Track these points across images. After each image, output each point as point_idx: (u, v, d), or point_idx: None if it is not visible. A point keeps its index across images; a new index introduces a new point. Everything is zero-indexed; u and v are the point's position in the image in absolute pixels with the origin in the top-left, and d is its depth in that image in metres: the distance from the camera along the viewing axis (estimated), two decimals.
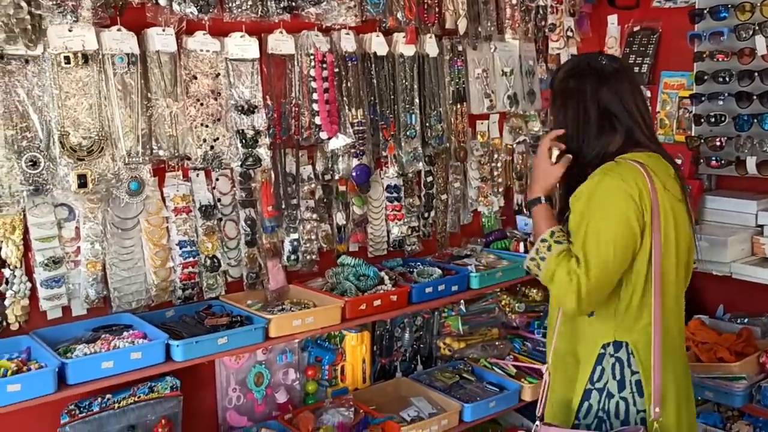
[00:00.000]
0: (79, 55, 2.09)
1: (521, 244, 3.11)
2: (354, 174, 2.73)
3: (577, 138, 1.91)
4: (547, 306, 3.35)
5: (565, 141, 1.95)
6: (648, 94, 3.60)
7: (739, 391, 2.76)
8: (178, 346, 2.09)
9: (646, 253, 1.82)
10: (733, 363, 2.82)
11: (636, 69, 3.62)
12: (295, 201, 2.66)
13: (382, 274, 2.67)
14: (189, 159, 2.35)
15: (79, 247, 2.24)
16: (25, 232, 2.13)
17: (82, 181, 2.13)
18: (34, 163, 2.07)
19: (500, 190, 3.38)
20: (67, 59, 2.08)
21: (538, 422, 1.90)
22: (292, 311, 2.41)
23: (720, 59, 3.12)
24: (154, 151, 2.28)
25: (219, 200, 2.49)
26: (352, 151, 2.70)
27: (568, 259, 1.80)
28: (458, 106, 3.08)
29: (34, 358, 2.04)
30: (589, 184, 1.84)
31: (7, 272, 2.11)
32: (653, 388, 1.85)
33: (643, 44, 3.63)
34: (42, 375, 1.88)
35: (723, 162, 3.13)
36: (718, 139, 3.13)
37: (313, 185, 2.71)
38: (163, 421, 2.38)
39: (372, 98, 2.77)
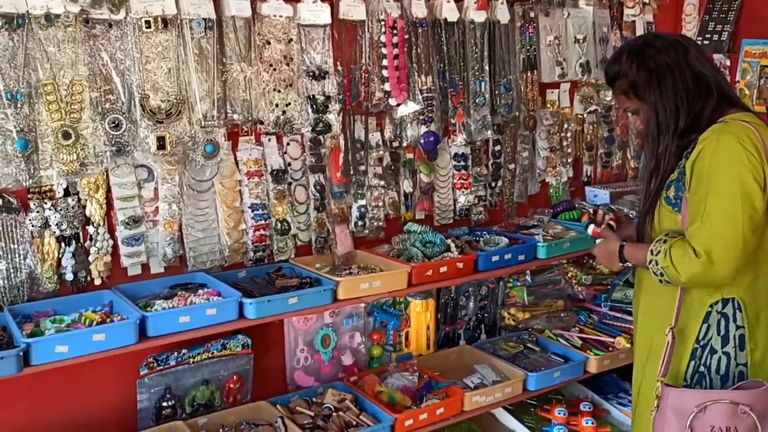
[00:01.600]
0: (159, 19, 2.15)
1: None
2: (422, 141, 2.73)
3: (676, 111, 1.90)
4: (614, 278, 3.30)
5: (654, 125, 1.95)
6: (727, 62, 3.47)
7: None
8: (251, 304, 2.15)
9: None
10: None
11: (715, 37, 3.48)
12: (363, 167, 2.68)
13: (449, 241, 2.67)
14: (262, 123, 2.39)
15: (157, 208, 2.32)
16: (108, 191, 2.22)
17: (161, 143, 2.20)
18: (117, 125, 2.15)
19: (569, 160, 3.32)
20: (148, 24, 2.14)
21: (660, 382, 1.90)
22: (360, 275, 2.44)
23: None
24: (228, 115, 2.33)
25: (289, 165, 2.53)
26: (421, 118, 2.70)
27: (674, 243, 1.83)
28: (529, 74, 3.03)
29: (116, 311, 2.14)
30: (708, 148, 1.82)
31: (91, 229, 2.21)
32: None
33: (723, 11, 3.48)
34: (124, 326, 1.97)
35: None
36: None
37: (381, 152, 2.73)
38: (235, 377, 2.48)
39: (441, 65, 2.76)
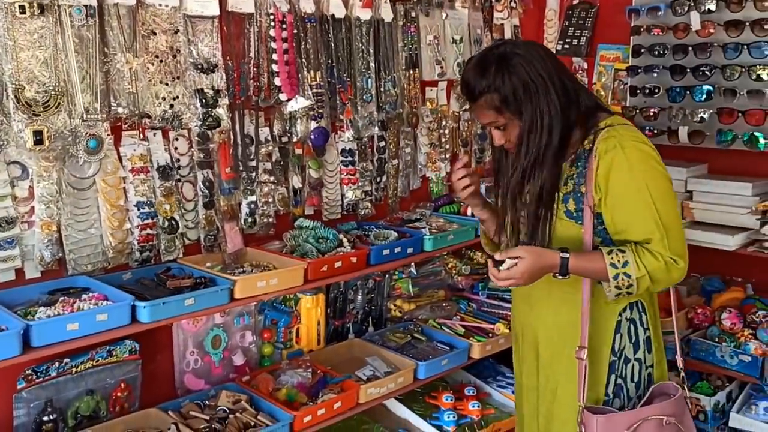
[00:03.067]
0: (35, 4, 1.99)
1: (469, 209, 3.19)
2: (312, 137, 2.73)
3: (550, 122, 1.78)
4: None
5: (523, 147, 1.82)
6: (585, 65, 3.76)
7: (670, 344, 2.96)
8: (144, 307, 2.05)
9: None
10: (664, 319, 3.02)
11: (575, 41, 3.76)
12: (253, 163, 2.64)
13: (341, 236, 2.69)
14: (149, 117, 2.28)
15: (32, 208, 2.14)
16: None
17: (38, 138, 2.04)
18: None
19: (447, 156, 3.45)
20: (22, 9, 1.97)
21: (582, 409, 1.82)
22: (255, 273, 2.40)
23: (656, 33, 3.29)
24: (112, 108, 2.20)
25: (178, 161, 2.44)
26: (311, 113, 2.70)
27: (642, 254, 1.75)
28: (411, 72, 3.12)
29: None
30: (619, 158, 1.75)
31: None
32: (677, 336, 2.02)
33: (581, 17, 3.76)
34: (6, 337, 1.81)
35: (656, 131, 3.31)
36: (652, 110, 3.31)
37: (270, 147, 2.69)
38: (122, 384, 2.36)
39: (330, 61, 2.77)
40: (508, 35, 3.70)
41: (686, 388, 1.94)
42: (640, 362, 1.91)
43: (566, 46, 3.78)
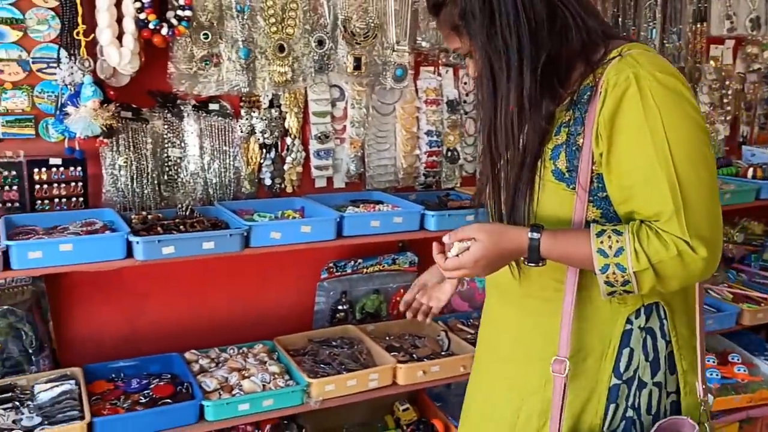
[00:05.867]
0: None
1: (750, 170, 3.03)
2: None
3: (520, 56, 1.27)
4: (766, 239, 3.26)
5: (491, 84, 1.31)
6: None
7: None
8: (433, 216, 2.30)
9: None
10: None
11: None
12: None
13: None
14: (446, 52, 2.53)
15: (344, 126, 2.50)
16: (305, 106, 2.42)
17: (357, 64, 2.38)
18: (321, 43, 2.34)
19: (728, 118, 3.29)
20: None
21: None
22: None
23: None
24: (417, 42, 2.48)
25: (467, 95, 2.66)
26: None
27: (646, 238, 1.21)
28: (698, 25, 3.03)
29: (308, 215, 2.33)
30: (631, 93, 1.21)
31: (288, 140, 2.41)
32: (699, 357, 1.38)
33: None
34: (327, 222, 2.16)
35: None
36: None
37: None
38: (401, 290, 2.64)
39: (615, 10, 2.81)
40: None
41: (708, 423, 1.38)
42: (660, 387, 1.36)
43: None
